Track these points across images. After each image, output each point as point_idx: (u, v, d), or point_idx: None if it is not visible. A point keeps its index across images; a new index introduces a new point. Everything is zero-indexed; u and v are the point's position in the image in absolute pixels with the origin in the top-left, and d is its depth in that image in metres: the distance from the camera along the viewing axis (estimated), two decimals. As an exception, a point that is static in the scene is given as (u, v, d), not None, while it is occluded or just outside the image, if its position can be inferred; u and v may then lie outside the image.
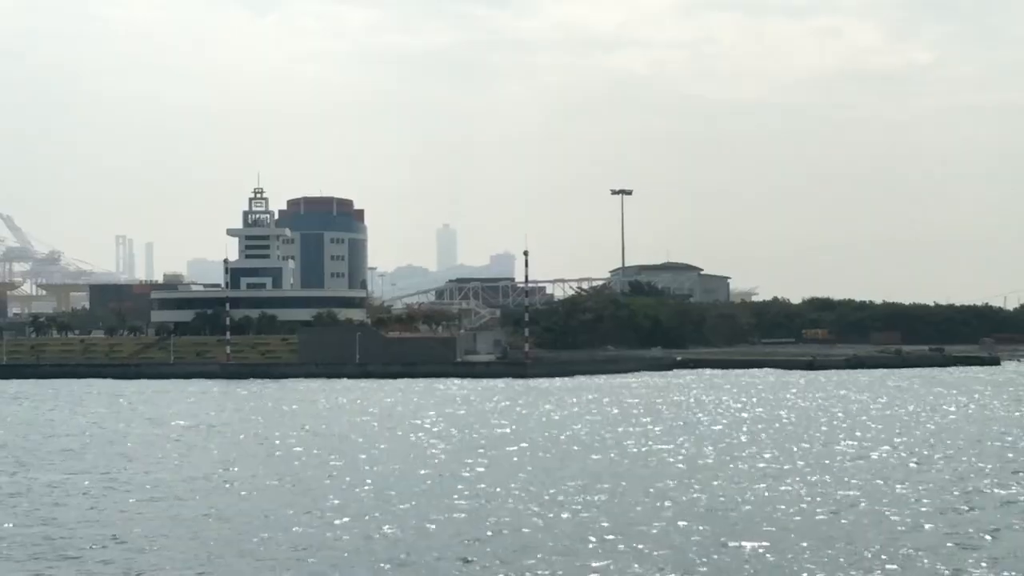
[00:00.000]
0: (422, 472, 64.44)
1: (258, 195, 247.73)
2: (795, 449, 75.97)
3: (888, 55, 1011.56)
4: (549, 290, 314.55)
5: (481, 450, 76.34)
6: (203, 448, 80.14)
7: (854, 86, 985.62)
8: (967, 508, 51.91)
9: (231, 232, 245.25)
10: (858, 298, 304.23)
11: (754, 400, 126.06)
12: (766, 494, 55.38)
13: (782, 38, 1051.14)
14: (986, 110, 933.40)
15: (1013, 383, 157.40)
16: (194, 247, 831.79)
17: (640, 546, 42.89)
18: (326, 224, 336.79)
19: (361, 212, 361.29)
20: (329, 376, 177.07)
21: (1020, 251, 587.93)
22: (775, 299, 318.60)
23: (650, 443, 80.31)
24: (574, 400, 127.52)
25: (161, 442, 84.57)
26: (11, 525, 48.95)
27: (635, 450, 76.04)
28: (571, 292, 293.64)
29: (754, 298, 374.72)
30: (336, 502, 54.01)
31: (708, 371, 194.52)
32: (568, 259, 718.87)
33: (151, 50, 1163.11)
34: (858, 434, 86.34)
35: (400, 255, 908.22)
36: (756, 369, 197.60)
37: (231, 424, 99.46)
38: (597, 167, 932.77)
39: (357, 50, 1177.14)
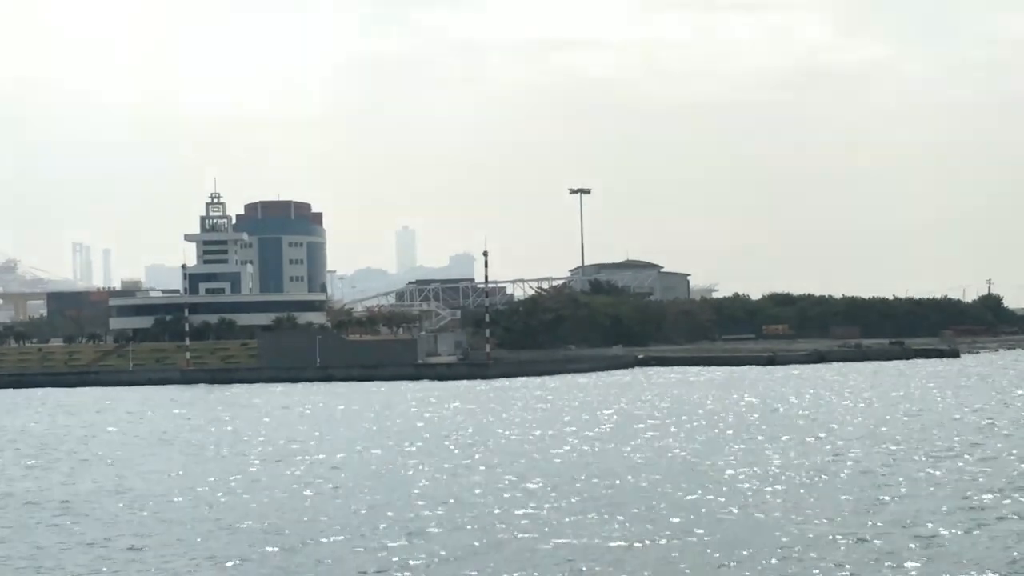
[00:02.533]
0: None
1: (215, 200, 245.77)
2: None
3: (841, 52, 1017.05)
4: (509, 290, 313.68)
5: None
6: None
7: (809, 83, 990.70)
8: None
9: (189, 237, 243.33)
10: (818, 293, 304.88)
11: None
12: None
13: (735, 37, 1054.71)
14: (943, 106, 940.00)
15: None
16: (152, 253, 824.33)
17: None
18: (284, 228, 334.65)
19: (319, 215, 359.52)
20: (290, 380, 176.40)
21: (979, 244, 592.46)
22: (735, 295, 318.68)
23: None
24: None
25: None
26: None
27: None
28: (531, 292, 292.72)
29: (714, 294, 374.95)
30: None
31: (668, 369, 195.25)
32: (528, 259, 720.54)
33: (107, 58, 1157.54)
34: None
35: (359, 257, 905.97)
36: (705, 367, 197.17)
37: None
38: (555, 167, 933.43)
39: (312, 56, 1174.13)
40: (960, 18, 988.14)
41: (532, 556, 42.88)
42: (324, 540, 47.02)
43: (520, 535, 46.83)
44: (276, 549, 45.54)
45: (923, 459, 68.24)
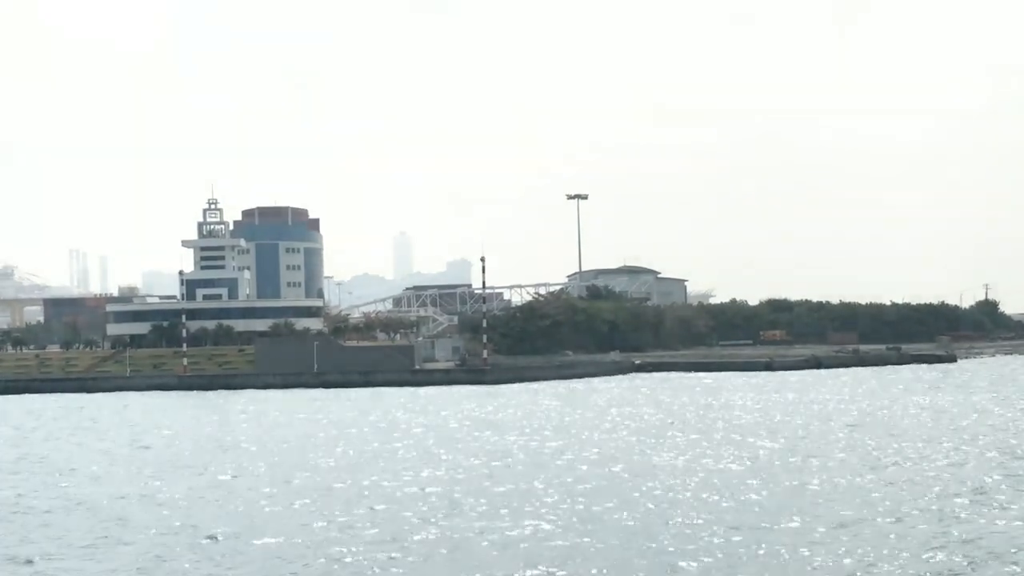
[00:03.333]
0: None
1: (212, 206, 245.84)
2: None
3: (839, 57, 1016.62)
4: (506, 296, 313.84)
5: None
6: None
7: (806, 89, 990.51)
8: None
9: (186, 243, 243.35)
10: (815, 299, 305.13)
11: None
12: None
13: (734, 44, 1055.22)
14: (940, 111, 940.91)
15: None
16: (149, 259, 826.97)
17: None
18: (281, 234, 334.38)
19: (316, 221, 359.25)
20: (287, 386, 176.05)
21: (977, 249, 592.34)
22: (732, 301, 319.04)
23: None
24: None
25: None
26: None
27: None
28: (528, 298, 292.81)
29: (711, 300, 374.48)
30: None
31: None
32: (525, 264, 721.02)
33: (104, 60, 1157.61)
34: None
35: (357, 263, 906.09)
36: (702, 373, 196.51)
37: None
38: (552, 172, 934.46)
39: (310, 57, 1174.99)
40: (960, 23, 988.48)
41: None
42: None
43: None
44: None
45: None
